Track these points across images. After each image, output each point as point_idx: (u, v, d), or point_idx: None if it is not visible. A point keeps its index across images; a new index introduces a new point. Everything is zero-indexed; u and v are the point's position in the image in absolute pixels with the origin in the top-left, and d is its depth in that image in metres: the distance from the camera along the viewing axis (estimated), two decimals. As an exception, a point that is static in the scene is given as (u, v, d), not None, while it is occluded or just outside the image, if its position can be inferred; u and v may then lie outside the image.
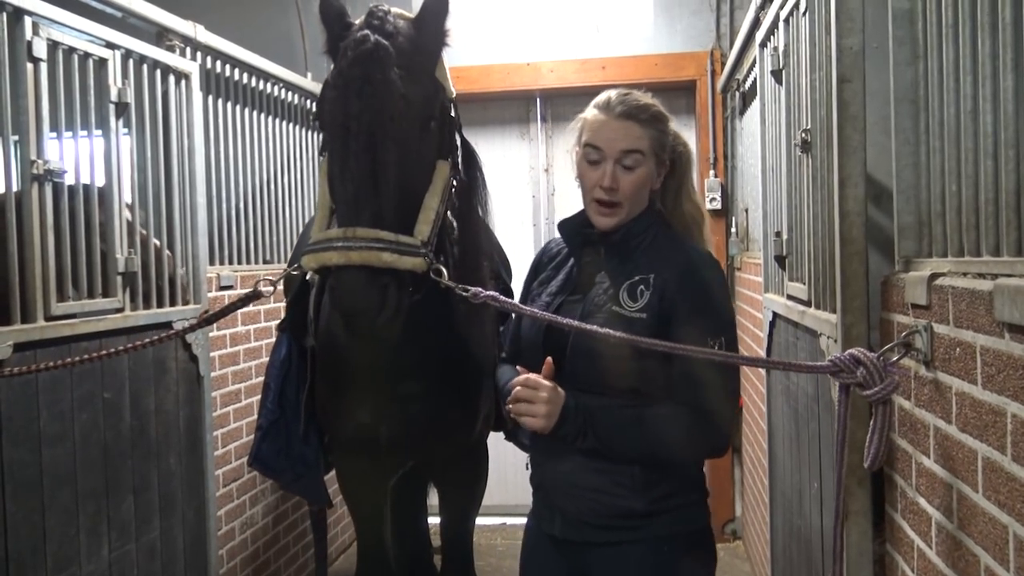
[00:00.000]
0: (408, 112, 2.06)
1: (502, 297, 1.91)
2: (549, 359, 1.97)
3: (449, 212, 2.30)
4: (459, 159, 2.35)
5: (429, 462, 3.08)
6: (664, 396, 1.95)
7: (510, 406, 1.97)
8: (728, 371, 1.98)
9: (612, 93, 2.07)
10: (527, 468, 2.18)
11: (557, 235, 2.26)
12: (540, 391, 1.91)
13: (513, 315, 2.25)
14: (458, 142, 2.42)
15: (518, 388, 1.95)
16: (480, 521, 3.44)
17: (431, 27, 2.21)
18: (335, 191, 2.09)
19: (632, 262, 2.02)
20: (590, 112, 2.09)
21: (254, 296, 2.15)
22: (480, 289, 1.91)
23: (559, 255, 2.24)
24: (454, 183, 2.26)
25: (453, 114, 2.32)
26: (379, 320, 1.95)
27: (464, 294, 1.92)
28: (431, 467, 3.15)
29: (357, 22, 2.21)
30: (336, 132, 2.06)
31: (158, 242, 3.24)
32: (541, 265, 2.28)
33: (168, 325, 3.23)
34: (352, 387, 2.70)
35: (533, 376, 1.95)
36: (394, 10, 2.21)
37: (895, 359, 1.68)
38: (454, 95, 2.30)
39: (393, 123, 2.02)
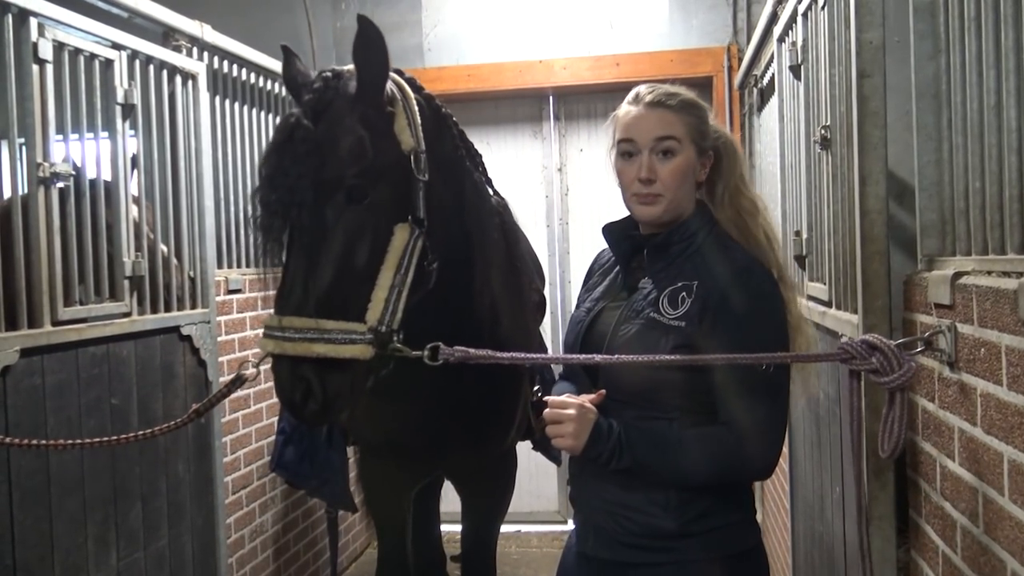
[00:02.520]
0: (328, 196, 1.99)
1: (473, 351, 1.85)
2: (602, 392, 1.91)
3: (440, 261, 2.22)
4: (423, 214, 2.16)
5: (459, 470, 3.09)
6: (701, 408, 1.89)
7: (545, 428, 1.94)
8: (775, 390, 1.88)
9: (642, 87, 2.03)
10: (567, 484, 2.15)
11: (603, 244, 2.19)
12: (567, 409, 1.85)
13: (569, 323, 2.20)
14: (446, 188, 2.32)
15: (547, 410, 1.90)
16: (494, 529, 3.45)
17: (368, 92, 2.10)
18: (280, 277, 2.07)
19: (677, 267, 1.96)
20: (622, 109, 2.03)
21: (239, 381, 2.10)
22: (451, 350, 1.85)
23: (607, 263, 2.19)
24: (420, 242, 2.12)
25: (417, 167, 2.16)
26: (307, 412, 1.94)
27: (433, 363, 1.86)
28: (460, 475, 3.16)
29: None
30: (262, 223, 2.03)
31: (165, 248, 3.26)
32: (591, 274, 2.24)
33: (176, 329, 3.26)
34: (384, 393, 2.69)
35: (561, 397, 1.90)
36: (348, 68, 2.13)
37: (914, 352, 1.67)
38: (416, 147, 2.16)
39: (305, 212, 1.96)
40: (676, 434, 1.87)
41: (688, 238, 1.98)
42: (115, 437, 2.05)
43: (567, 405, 1.86)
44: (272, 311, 2.00)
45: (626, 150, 1.99)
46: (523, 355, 1.93)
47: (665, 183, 1.94)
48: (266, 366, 2.02)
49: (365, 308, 1.98)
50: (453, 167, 2.43)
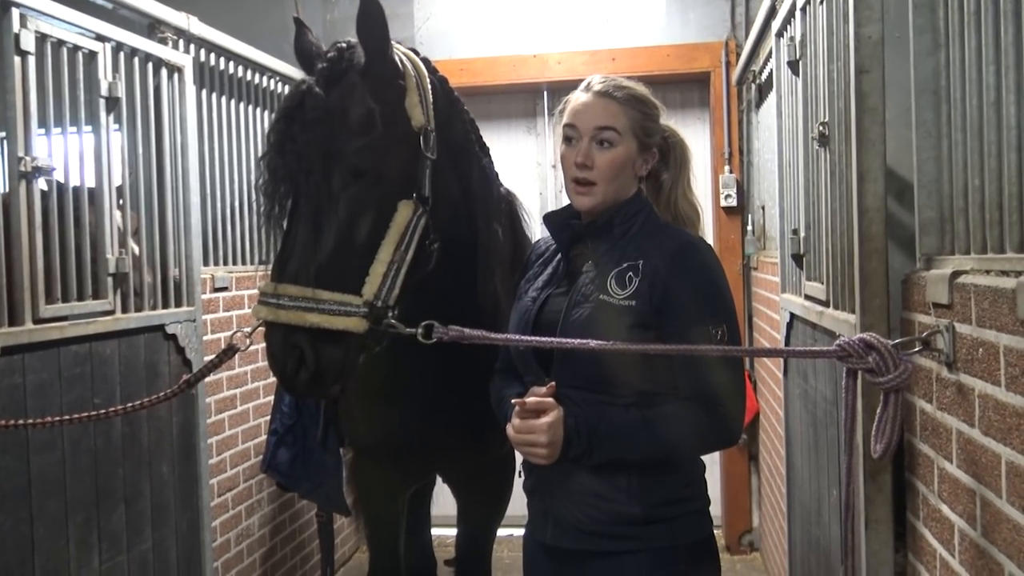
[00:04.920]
0: (335, 164, 2.02)
1: (468, 330, 1.88)
2: (552, 384, 1.96)
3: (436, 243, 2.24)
4: (428, 193, 2.19)
5: (457, 473, 3.10)
6: (661, 387, 1.96)
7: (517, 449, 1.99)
8: (732, 360, 1.98)
9: (596, 76, 2.13)
10: (519, 475, 2.19)
11: (547, 234, 2.27)
12: (538, 435, 1.90)
13: (514, 313, 2.23)
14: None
15: (513, 434, 1.96)
16: (484, 533, 3.45)
17: (374, 62, 2.14)
18: (279, 245, 2.10)
19: (619, 249, 2.03)
20: (572, 95, 2.13)
21: (231, 351, 2.12)
22: (446, 329, 1.88)
23: (547, 252, 2.27)
24: (423, 221, 2.15)
25: (425, 145, 2.20)
26: (297, 381, 1.97)
27: (427, 341, 1.89)
28: (458, 478, 3.17)
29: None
30: (267, 188, 2.07)
31: (136, 248, 3.25)
32: (529, 264, 2.30)
33: (160, 328, 3.25)
34: (382, 394, 2.71)
35: (519, 420, 1.93)
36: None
37: (911, 352, 1.68)
38: (426, 124, 2.20)
39: (312, 178, 2.00)
40: (644, 418, 1.93)
41: (629, 219, 2.07)
42: (100, 411, 2.07)
43: (534, 428, 1.90)
44: (267, 278, 2.03)
45: (568, 135, 2.08)
46: (517, 337, 1.95)
47: (600, 172, 2.03)
48: (259, 345, 2.04)
49: (362, 282, 2.01)
50: (462, 152, 2.45)
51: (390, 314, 2.02)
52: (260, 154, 2.13)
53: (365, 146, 2.05)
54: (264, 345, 2.02)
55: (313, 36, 2.26)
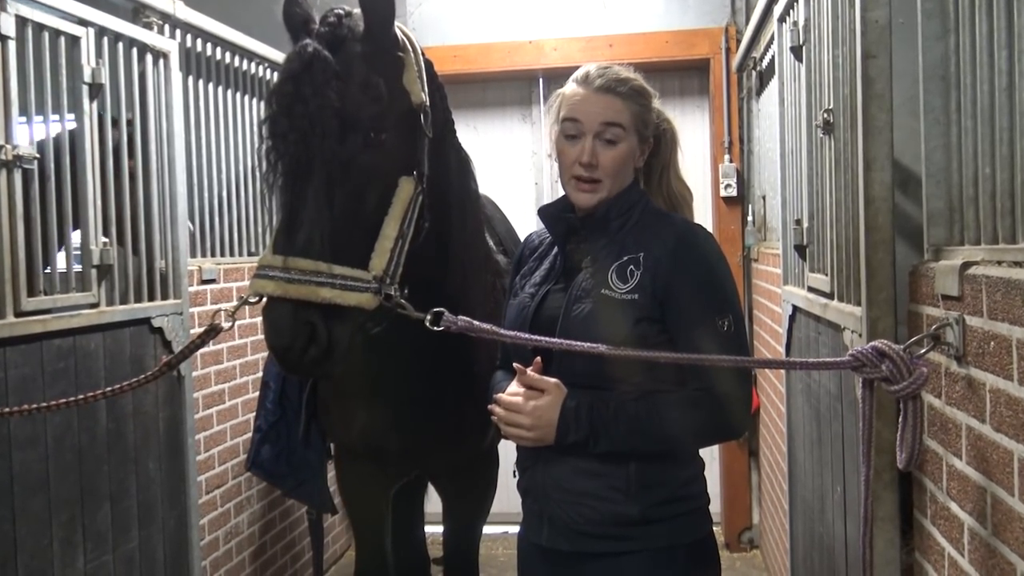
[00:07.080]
0: (347, 130, 1.98)
1: (478, 323, 1.87)
2: (538, 359, 1.98)
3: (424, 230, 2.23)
4: (427, 171, 2.20)
5: (438, 470, 3.09)
6: (663, 384, 1.96)
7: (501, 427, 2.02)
8: (740, 350, 1.97)
9: (592, 67, 2.09)
10: (515, 475, 2.18)
11: (541, 226, 2.25)
12: (522, 416, 1.94)
13: (511, 310, 2.22)
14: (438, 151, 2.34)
15: (496, 409, 1.99)
16: (480, 530, 3.45)
17: (377, 31, 2.12)
18: (280, 215, 2.05)
19: (619, 242, 2.03)
20: (569, 87, 2.10)
21: (214, 331, 2.08)
22: (455, 318, 1.86)
23: (541, 246, 2.26)
24: (421, 199, 2.15)
25: (425, 123, 2.21)
26: (306, 359, 1.93)
27: (436, 328, 1.88)
28: (439, 475, 3.16)
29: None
30: (270, 154, 2.03)
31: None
32: (523, 259, 2.29)
33: (146, 321, 3.23)
34: (360, 391, 2.70)
35: (505, 396, 1.98)
36: (357, 12, 2.15)
37: (922, 352, 1.67)
38: (425, 102, 2.20)
39: (326, 142, 1.95)
40: (651, 405, 1.93)
41: (626, 211, 2.07)
42: (80, 397, 2.05)
43: (520, 409, 1.95)
44: (270, 251, 1.97)
45: (570, 131, 2.05)
46: (526, 335, 1.94)
47: (606, 169, 2.03)
48: (248, 339, 2.01)
49: (368, 257, 1.99)
50: (440, 138, 2.43)
51: (395, 292, 2.00)
52: (263, 118, 2.07)
53: (375, 116, 2.04)
54: (252, 339, 1.99)
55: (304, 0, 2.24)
